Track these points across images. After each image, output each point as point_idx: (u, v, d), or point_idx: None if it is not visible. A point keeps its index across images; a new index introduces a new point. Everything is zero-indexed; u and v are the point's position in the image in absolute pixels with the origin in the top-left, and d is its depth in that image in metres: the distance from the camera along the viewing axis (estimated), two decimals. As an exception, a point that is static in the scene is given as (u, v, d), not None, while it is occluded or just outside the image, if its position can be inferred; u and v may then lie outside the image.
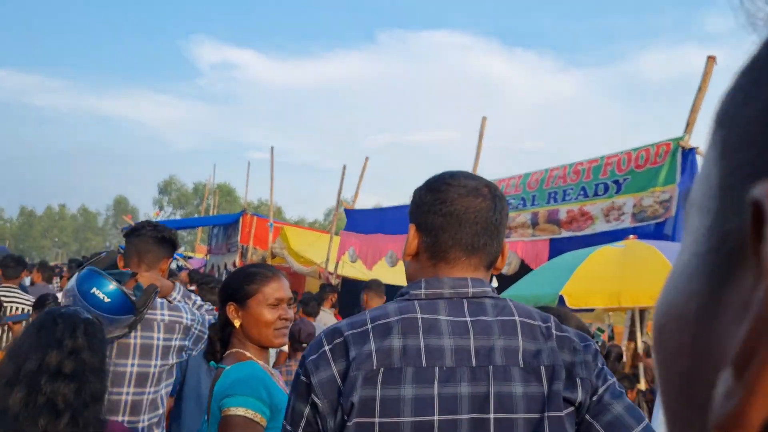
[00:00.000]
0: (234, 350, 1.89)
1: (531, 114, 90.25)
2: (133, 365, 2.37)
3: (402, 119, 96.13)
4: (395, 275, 10.52)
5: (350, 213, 10.01)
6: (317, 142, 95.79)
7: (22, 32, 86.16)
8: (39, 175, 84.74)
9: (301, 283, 13.21)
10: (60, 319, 1.69)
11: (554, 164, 6.56)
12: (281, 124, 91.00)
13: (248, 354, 1.88)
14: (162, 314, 2.43)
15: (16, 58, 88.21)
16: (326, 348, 1.11)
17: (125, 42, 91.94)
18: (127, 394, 2.36)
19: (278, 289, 1.94)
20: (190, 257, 22.35)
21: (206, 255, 20.00)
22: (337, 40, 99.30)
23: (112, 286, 2.22)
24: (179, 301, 2.59)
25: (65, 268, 7.91)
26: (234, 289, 1.94)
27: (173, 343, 2.43)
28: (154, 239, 2.54)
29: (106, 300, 2.19)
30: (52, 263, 12.97)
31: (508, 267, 6.60)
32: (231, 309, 1.92)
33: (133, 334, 2.35)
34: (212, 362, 1.93)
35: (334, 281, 9.48)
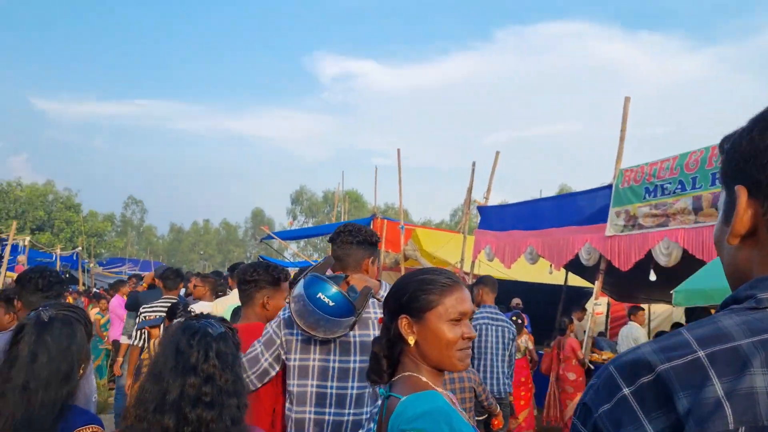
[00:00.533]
0: (407, 374, 1.58)
1: (660, 98, 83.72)
2: (355, 362, 2.53)
3: (522, 115, 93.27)
4: (536, 272, 10.05)
5: (483, 210, 9.67)
6: (437, 143, 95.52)
7: (164, 65, 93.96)
8: (185, 193, 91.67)
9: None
10: (194, 341, 1.74)
11: (691, 148, 5.92)
12: (402, 128, 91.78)
13: (424, 379, 1.57)
14: (375, 312, 2.57)
15: (160, 89, 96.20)
16: (626, 392, 0.69)
17: (254, 66, 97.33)
18: (352, 388, 2.53)
19: (462, 300, 1.60)
20: (324, 263, 22.96)
21: (339, 260, 20.48)
22: (452, 42, 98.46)
23: (334, 289, 2.39)
24: None
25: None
26: (408, 299, 1.60)
27: None
28: (350, 243, 2.72)
29: (331, 304, 2.36)
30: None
31: (668, 258, 6.02)
32: (404, 323, 1.59)
33: (351, 332, 2.51)
34: (381, 389, 1.64)
35: (470, 282, 9.19)
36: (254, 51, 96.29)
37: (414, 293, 1.60)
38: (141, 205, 70.60)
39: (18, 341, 1.93)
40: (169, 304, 5.28)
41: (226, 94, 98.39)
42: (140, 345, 5.59)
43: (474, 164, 10.62)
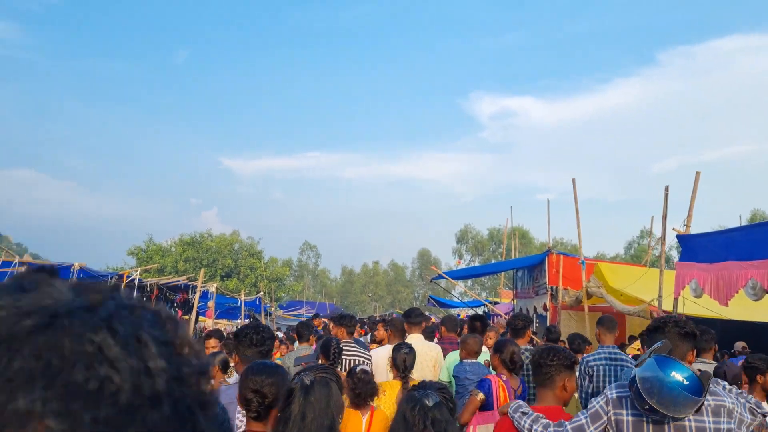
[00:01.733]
0: None
1: None
2: None
3: (695, 139, 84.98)
4: (761, 310, 8.55)
5: (685, 240, 8.45)
6: (603, 174, 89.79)
7: (329, 118, 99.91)
8: (354, 237, 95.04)
9: (621, 325, 11.72)
10: (414, 411, 2.35)
11: None
12: (564, 162, 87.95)
13: None
14: (707, 399, 2.63)
15: (327, 141, 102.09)
16: None
17: (413, 112, 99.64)
18: None
19: None
20: (496, 302, 22.12)
21: (512, 299, 19.51)
22: (612, 70, 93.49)
23: (687, 372, 2.51)
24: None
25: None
26: None
27: (721, 426, 2.64)
28: (677, 335, 2.86)
29: (686, 382, 2.49)
30: (368, 315, 13.79)
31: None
32: None
33: (686, 418, 2.60)
34: None
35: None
36: (412, 98, 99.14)
37: None
38: (315, 249, 74.44)
39: (290, 403, 2.35)
40: (348, 348, 5.46)
41: (387, 141, 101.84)
42: None
43: (667, 188, 9.44)
